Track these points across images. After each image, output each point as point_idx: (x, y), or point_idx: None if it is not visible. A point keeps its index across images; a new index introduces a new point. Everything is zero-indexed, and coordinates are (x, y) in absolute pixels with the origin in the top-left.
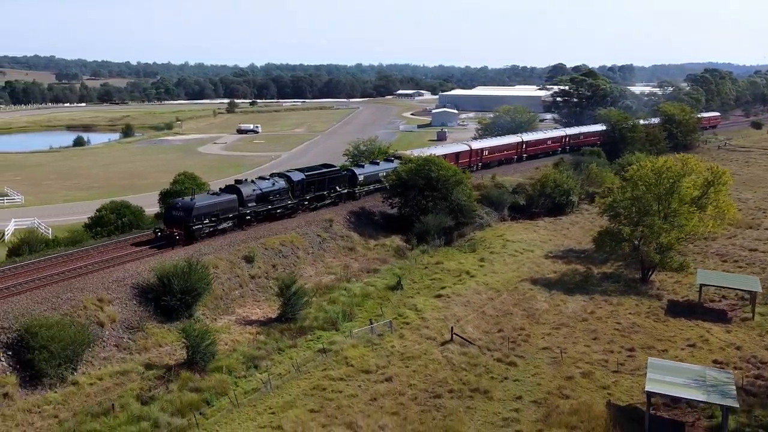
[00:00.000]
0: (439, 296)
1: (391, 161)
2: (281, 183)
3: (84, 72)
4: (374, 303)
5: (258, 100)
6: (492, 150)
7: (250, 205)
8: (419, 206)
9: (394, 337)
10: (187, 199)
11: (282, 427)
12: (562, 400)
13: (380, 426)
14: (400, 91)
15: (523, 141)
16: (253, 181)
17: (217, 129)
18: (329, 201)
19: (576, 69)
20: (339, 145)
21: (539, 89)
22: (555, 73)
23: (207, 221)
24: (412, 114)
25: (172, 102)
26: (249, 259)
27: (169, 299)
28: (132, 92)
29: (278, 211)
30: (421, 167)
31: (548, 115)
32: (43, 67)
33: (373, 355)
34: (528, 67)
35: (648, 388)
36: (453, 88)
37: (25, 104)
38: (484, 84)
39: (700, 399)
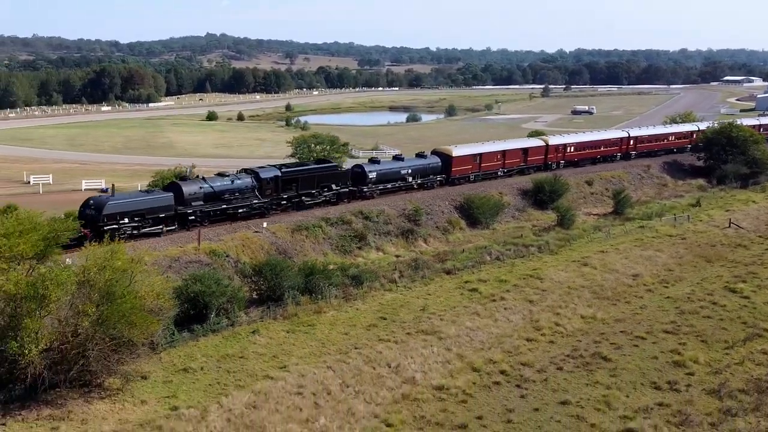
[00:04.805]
0: (726, 210)
1: (424, 157)
2: (245, 181)
3: (384, 58)
4: (677, 211)
5: (571, 86)
6: None
7: (194, 204)
8: (720, 158)
9: (689, 224)
10: (103, 196)
11: (618, 248)
12: None
13: (676, 251)
14: (726, 78)
15: None
16: (203, 179)
17: (535, 110)
18: (321, 200)
19: None
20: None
21: None
22: None
23: (126, 221)
24: (737, 99)
25: (480, 87)
26: (589, 183)
27: (541, 196)
28: (437, 77)
29: (240, 211)
30: (723, 129)
31: None
32: (344, 54)
33: (674, 230)
34: None
35: None
36: None
37: (339, 88)
38: None
39: None
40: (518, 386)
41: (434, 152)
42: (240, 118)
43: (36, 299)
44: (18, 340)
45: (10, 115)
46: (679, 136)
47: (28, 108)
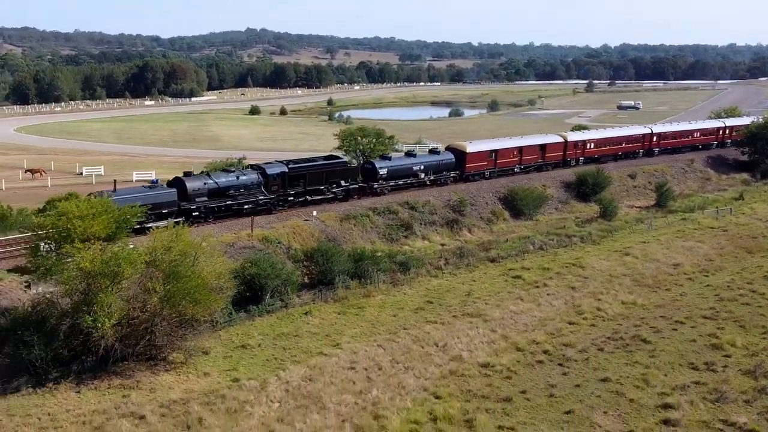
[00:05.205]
0: None
1: (437, 153)
2: (251, 176)
3: (425, 53)
4: (720, 204)
5: (616, 81)
6: None
7: (198, 200)
8: (764, 153)
9: (731, 217)
10: (105, 191)
11: (659, 239)
12: None
13: (717, 242)
14: None
15: None
16: (208, 174)
17: (579, 106)
18: (330, 196)
19: None
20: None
21: None
22: None
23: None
24: None
25: (523, 82)
26: (632, 176)
27: (584, 188)
28: (479, 72)
29: (245, 207)
30: None
31: None
32: (385, 49)
33: (716, 223)
34: None
35: None
36: None
37: (380, 83)
38: None
39: None
40: (560, 365)
41: (448, 148)
42: (282, 112)
43: (109, 276)
44: (92, 314)
45: (56, 109)
46: (704, 132)
47: (72, 102)
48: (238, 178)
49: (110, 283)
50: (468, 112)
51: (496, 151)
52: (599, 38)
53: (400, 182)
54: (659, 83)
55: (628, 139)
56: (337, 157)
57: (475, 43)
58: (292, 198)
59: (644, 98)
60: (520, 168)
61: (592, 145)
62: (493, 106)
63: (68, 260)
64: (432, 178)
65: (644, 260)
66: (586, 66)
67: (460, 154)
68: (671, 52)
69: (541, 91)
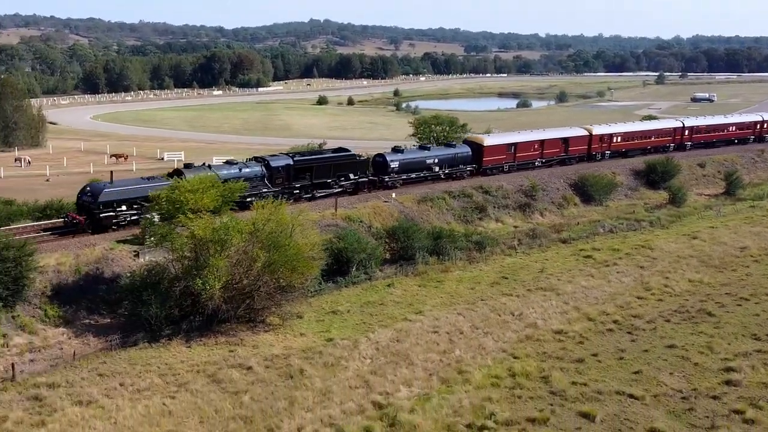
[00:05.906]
0: None
1: (453, 146)
2: (254, 169)
3: (491, 44)
4: None
5: (688, 73)
6: None
7: None
8: None
9: None
10: (101, 183)
11: (727, 225)
12: None
13: None
14: None
15: None
16: (209, 167)
17: (650, 98)
18: (338, 189)
19: None
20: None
21: None
22: None
23: (124, 209)
24: None
25: (592, 74)
26: (701, 165)
27: (653, 176)
28: (546, 64)
29: (248, 200)
30: None
31: None
32: (450, 39)
33: None
34: None
35: None
36: None
37: (446, 74)
38: None
39: None
40: (629, 333)
41: (465, 141)
42: (350, 102)
43: (218, 243)
44: (201, 277)
45: (127, 98)
46: (740, 126)
47: (141, 91)
48: (240, 170)
49: (219, 249)
50: (536, 104)
51: (515, 144)
52: (671, 30)
53: (413, 176)
54: (733, 75)
55: (658, 132)
56: (346, 150)
57: (542, 35)
58: (297, 191)
59: (717, 90)
60: (542, 162)
61: (619, 138)
62: (561, 98)
63: (179, 229)
64: (447, 171)
65: (712, 243)
66: (656, 58)
67: (477, 148)
68: (746, 44)
69: (611, 82)
